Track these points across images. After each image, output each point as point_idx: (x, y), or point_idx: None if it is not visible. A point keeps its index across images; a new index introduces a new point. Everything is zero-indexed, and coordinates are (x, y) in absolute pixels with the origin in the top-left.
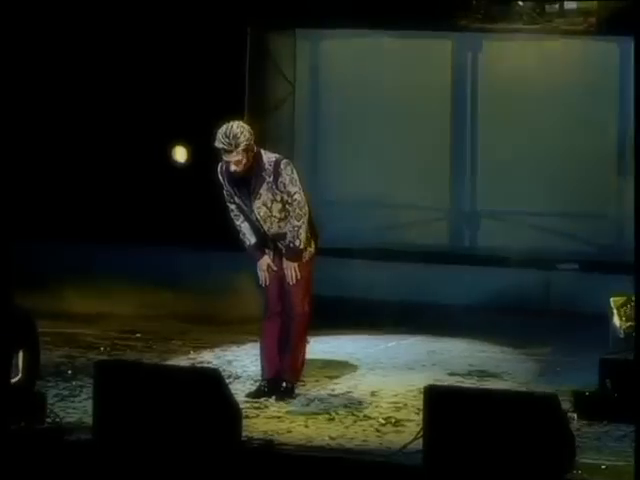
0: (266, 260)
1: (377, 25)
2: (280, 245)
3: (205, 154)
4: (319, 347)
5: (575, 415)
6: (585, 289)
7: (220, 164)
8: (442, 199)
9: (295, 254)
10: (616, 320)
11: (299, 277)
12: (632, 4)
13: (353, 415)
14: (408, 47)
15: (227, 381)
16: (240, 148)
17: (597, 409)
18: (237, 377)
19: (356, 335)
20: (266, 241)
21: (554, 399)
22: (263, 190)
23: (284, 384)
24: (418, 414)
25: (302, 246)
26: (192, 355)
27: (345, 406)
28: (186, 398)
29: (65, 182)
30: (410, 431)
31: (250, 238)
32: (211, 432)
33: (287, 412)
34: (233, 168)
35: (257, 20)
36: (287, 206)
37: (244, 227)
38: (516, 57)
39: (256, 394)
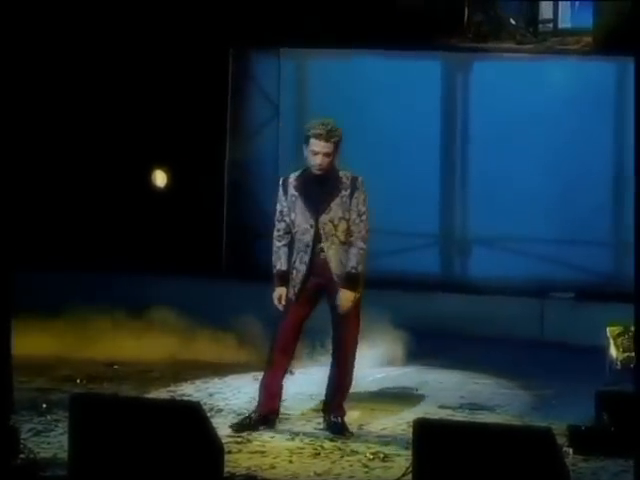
0: (283, 291)
1: (364, 45)
2: (329, 272)
3: (186, 178)
4: (304, 378)
5: (571, 450)
6: (581, 319)
7: (282, 178)
8: (432, 225)
9: (356, 281)
10: (612, 351)
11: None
12: (628, 23)
13: (340, 449)
14: (396, 67)
15: (208, 415)
16: (334, 140)
17: (593, 443)
18: (219, 410)
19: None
20: (306, 267)
21: (549, 433)
22: (335, 204)
23: (338, 419)
24: (407, 448)
25: (362, 272)
26: (172, 387)
27: (331, 440)
28: (166, 433)
29: (41, 207)
30: (399, 466)
31: (283, 264)
32: (192, 468)
33: (271, 447)
34: (318, 162)
35: (239, 40)
36: (352, 227)
37: (282, 251)
38: (508, 78)
39: (241, 427)
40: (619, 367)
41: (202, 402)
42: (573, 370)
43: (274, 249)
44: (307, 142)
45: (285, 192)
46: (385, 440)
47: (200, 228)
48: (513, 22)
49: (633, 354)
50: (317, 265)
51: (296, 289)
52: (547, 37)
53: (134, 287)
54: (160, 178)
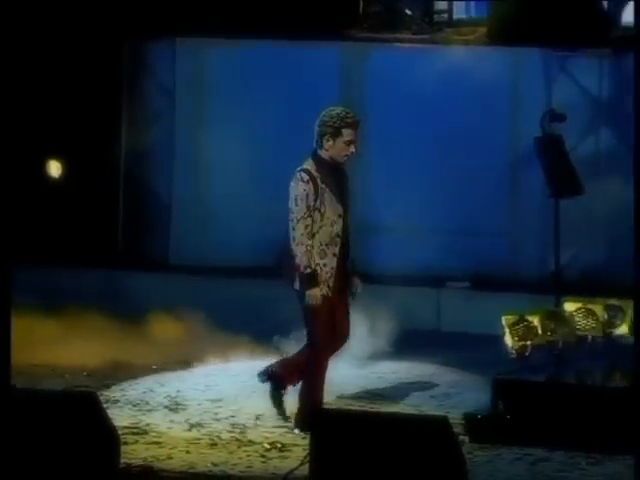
0: (320, 291)
1: (260, 34)
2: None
3: (81, 169)
4: (202, 370)
5: (467, 438)
6: (476, 308)
7: (303, 171)
8: None
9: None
10: (508, 339)
11: None
12: (523, 14)
13: (237, 440)
14: (295, 57)
15: (104, 406)
16: (360, 126)
17: (489, 432)
18: (115, 401)
19: (240, 357)
20: (336, 259)
21: (445, 422)
22: (348, 192)
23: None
24: (305, 438)
25: None
26: (67, 378)
27: (229, 431)
28: (60, 422)
29: None
30: (296, 456)
31: (313, 263)
32: (87, 459)
33: (168, 437)
34: (353, 151)
35: (134, 30)
36: None
37: (310, 250)
38: (406, 68)
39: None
40: (514, 355)
41: (98, 393)
42: (470, 359)
43: (304, 249)
44: (338, 133)
45: (315, 185)
46: (282, 430)
47: (96, 219)
48: (409, 12)
49: (528, 342)
50: (344, 255)
51: (330, 283)
52: (442, 27)
53: (34, 280)
54: (55, 168)
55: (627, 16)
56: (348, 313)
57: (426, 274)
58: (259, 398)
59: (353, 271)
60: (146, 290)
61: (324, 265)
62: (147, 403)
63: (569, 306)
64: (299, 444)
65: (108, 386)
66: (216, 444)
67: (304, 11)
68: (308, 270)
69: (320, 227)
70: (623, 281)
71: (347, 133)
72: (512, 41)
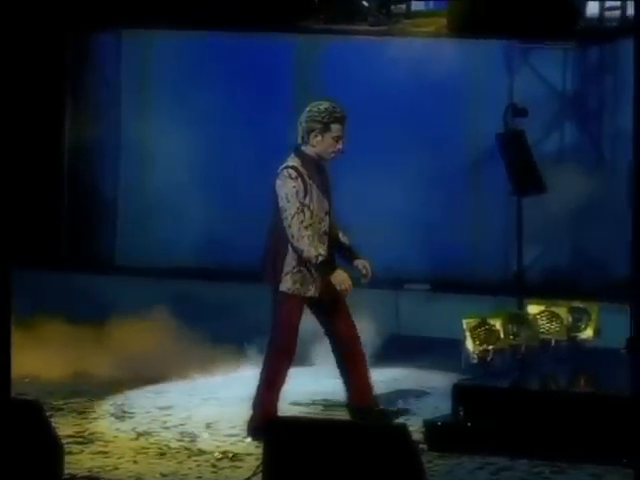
0: (344, 274)
1: (210, 25)
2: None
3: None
4: (150, 376)
5: (426, 446)
6: (436, 311)
7: (290, 168)
8: None
9: None
10: (469, 344)
11: None
12: (484, 5)
13: (187, 449)
14: (247, 49)
15: (48, 414)
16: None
17: (449, 440)
18: (59, 409)
19: (191, 362)
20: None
21: (403, 430)
22: (331, 189)
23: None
24: (258, 447)
25: None
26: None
27: (178, 439)
28: (1, 431)
29: None
30: (249, 466)
31: (322, 250)
32: (30, 468)
33: (114, 447)
34: (341, 147)
35: (77, 23)
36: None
37: (313, 240)
38: (363, 59)
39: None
40: (476, 360)
41: (42, 401)
42: (429, 364)
43: (307, 241)
44: (326, 129)
45: (303, 182)
46: (234, 439)
47: (38, 218)
48: (365, 3)
49: (490, 347)
50: (331, 254)
51: (318, 283)
52: (400, 19)
53: None
54: None
55: (591, 8)
56: (348, 314)
57: (384, 276)
58: (210, 406)
59: (356, 257)
60: (90, 292)
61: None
62: (93, 411)
63: (532, 309)
64: (252, 453)
65: (52, 393)
66: (165, 453)
67: (257, 2)
68: (320, 258)
69: (309, 224)
70: (588, 282)
71: (336, 128)
72: (472, 33)
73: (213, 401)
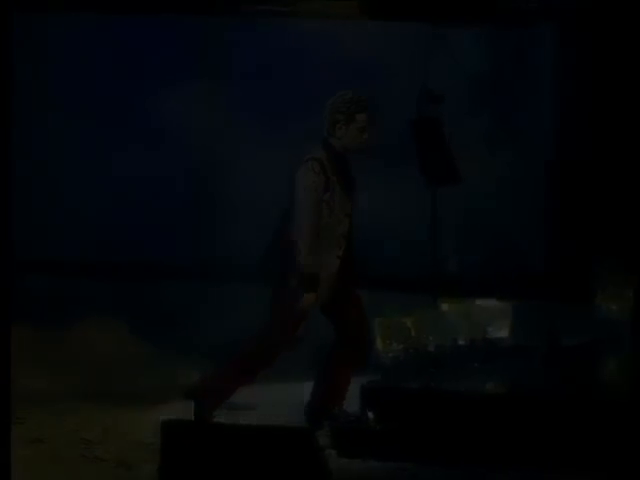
0: (315, 297)
1: (107, 6)
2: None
3: None
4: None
5: (334, 451)
6: None
7: (313, 159)
8: None
9: None
10: (379, 343)
11: None
12: None
13: (82, 457)
14: (147, 30)
15: None
16: None
17: (358, 443)
18: None
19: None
20: (339, 262)
21: (309, 433)
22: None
23: None
24: (157, 454)
25: None
26: None
27: (72, 447)
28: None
29: None
30: (145, 474)
31: (317, 264)
32: None
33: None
34: (367, 137)
35: None
36: None
37: (314, 248)
38: (267, 42)
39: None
40: (386, 360)
41: None
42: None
43: (309, 245)
44: (351, 119)
45: (326, 177)
46: (132, 445)
47: None
48: None
49: (401, 346)
50: (349, 260)
51: (327, 289)
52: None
53: None
54: None
55: None
56: (365, 319)
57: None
58: (105, 411)
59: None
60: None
61: (325, 270)
62: None
63: (446, 306)
64: (149, 460)
65: None
66: (59, 462)
67: None
68: (309, 270)
69: (325, 224)
70: (504, 279)
71: (361, 118)
72: (384, 14)
73: (108, 405)
